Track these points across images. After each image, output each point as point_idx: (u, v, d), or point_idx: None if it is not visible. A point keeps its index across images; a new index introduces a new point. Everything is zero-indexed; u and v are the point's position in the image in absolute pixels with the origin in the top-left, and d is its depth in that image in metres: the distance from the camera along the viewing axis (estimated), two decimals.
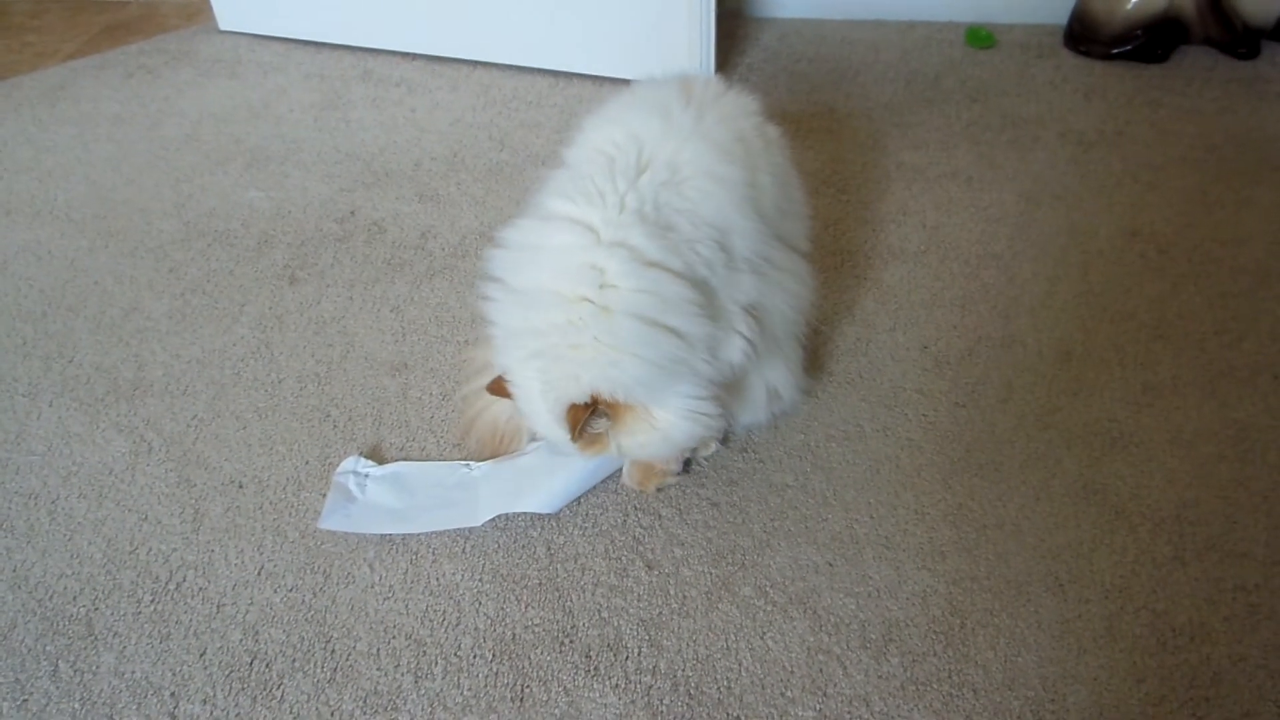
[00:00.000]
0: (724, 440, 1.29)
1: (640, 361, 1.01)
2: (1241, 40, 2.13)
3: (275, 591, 1.15)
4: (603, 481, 1.25)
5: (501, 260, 1.08)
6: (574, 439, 1.05)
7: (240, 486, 1.28)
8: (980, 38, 2.28)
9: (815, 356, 1.40)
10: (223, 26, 2.46)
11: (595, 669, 1.06)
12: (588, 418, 1.03)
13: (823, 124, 1.98)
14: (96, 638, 1.11)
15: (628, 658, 1.07)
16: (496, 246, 1.09)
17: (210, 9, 2.46)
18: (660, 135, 1.08)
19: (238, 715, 1.03)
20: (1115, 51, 2.16)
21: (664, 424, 1.06)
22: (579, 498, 1.23)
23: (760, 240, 1.11)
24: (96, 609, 1.14)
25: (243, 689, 1.05)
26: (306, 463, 1.30)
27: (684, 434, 1.08)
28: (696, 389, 1.07)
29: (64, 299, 1.61)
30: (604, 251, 1.01)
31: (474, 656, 1.07)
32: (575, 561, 1.17)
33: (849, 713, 1.00)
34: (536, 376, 1.04)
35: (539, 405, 1.06)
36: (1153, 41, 2.13)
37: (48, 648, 1.10)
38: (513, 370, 1.08)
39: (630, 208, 1.03)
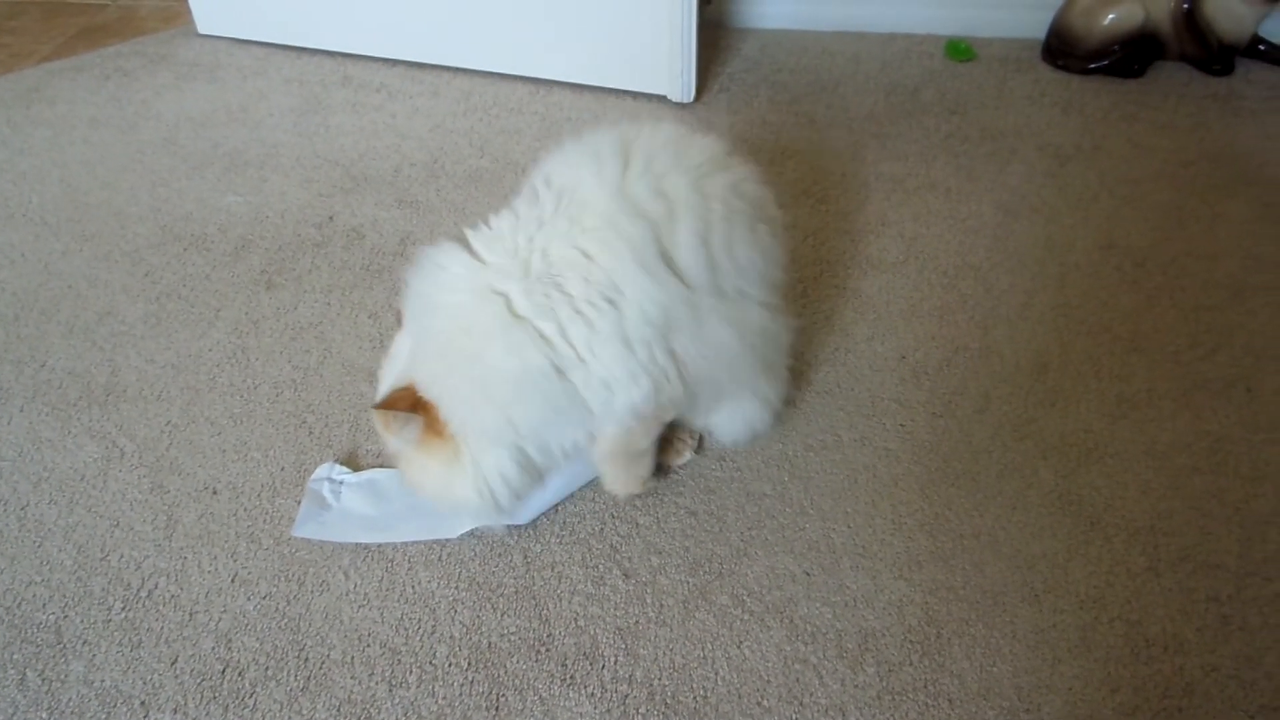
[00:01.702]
0: (698, 449, 1.29)
1: (490, 408, 1.03)
2: (1216, 57, 2.15)
3: (249, 599, 1.14)
4: (580, 490, 1.24)
5: (419, 274, 1.08)
6: (378, 406, 1.06)
7: (214, 493, 1.26)
8: (960, 51, 2.29)
9: (793, 365, 1.40)
10: (201, 30, 2.45)
11: (571, 678, 1.05)
12: (405, 414, 1.04)
13: (803, 134, 1.98)
14: (65, 646, 1.09)
15: (604, 666, 1.06)
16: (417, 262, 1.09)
17: (189, 12, 2.45)
18: (580, 186, 1.05)
19: None
20: (1092, 66, 2.18)
21: (460, 473, 1.07)
22: (555, 506, 1.23)
23: (671, 300, 1.04)
24: (66, 617, 1.12)
25: (214, 698, 1.04)
26: (282, 469, 1.29)
27: (463, 492, 1.08)
28: (516, 462, 1.07)
29: (37, 302, 1.59)
30: (487, 299, 1.01)
31: (449, 665, 1.07)
32: (552, 570, 1.16)
33: None
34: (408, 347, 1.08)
35: (395, 364, 1.10)
36: (1129, 57, 2.16)
37: (15, 656, 1.08)
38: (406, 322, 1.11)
39: (521, 257, 1.02)
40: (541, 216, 1.05)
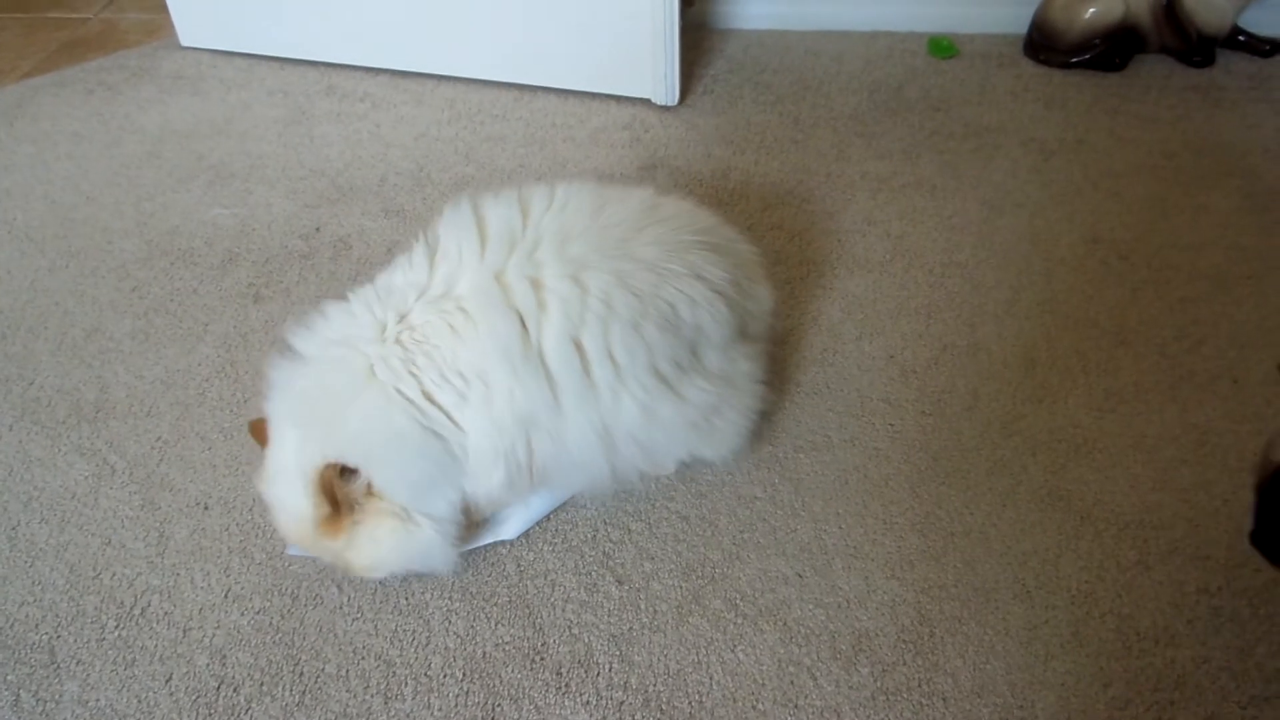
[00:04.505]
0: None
1: (401, 464, 1.04)
2: (1197, 49, 2.16)
3: (242, 614, 1.14)
4: (571, 498, 1.25)
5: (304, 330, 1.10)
6: (316, 500, 1.02)
7: (206, 508, 1.26)
8: (942, 48, 2.30)
9: (782, 367, 1.41)
10: (184, 42, 2.44)
11: (566, 686, 1.05)
12: (346, 479, 1.02)
13: (787, 134, 1.99)
14: (59, 666, 1.09)
15: (599, 674, 1.06)
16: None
17: (171, 25, 2.44)
18: (462, 257, 1.05)
19: None
20: (1074, 60, 2.18)
21: (402, 529, 1.06)
22: (546, 516, 1.23)
23: (534, 398, 1.03)
24: (59, 636, 1.12)
25: (209, 715, 1.04)
26: None
27: (390, 549, 1.07)
28: (448, 509, 1.08)
29: (24, 320, 1.58)
30: (345, 361, 1.03)
31: (444, 676, 1.07)
32: (545, 578, 1.16)
33: None
34: (294, 427, 1.06)
35: (290, 462, 1.05)
36: (1110, 50, 2.17)
37: (9, 677, 1.08)
38: (273, 422, 1.08)
39: (379, 318, 1.04)
40: (414, 281, 1.06)
